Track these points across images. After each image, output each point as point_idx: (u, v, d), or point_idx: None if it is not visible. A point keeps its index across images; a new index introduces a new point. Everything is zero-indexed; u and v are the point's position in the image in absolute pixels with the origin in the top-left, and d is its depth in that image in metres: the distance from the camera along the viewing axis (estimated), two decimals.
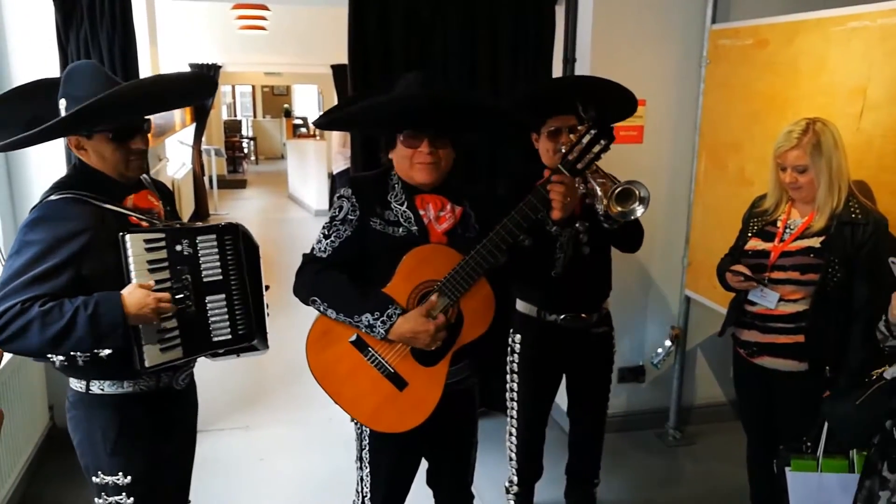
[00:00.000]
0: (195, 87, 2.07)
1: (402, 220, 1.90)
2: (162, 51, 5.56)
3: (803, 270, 2.24)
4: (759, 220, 2.41)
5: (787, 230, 2.32)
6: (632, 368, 3.73)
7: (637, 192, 2.10)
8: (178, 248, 1.79)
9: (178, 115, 7.78)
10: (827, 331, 2.22)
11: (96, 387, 1.82)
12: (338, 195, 1.94)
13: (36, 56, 3.03)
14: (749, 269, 2.32)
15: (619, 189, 2.10)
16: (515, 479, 2.71)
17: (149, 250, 1.74)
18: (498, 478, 2.96)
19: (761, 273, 2.32)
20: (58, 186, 1.78)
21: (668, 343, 3.59)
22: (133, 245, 1.72)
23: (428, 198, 1.93)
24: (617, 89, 2.30)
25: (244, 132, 16.32)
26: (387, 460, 2.04)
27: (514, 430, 2.66)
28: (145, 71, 3.39)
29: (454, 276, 1.84)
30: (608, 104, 2.36)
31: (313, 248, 1.95)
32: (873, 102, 2.39)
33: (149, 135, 1.87)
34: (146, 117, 1.87)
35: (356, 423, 2.04)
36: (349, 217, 1.91)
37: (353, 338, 1.89)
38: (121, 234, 1.71)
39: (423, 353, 1.90)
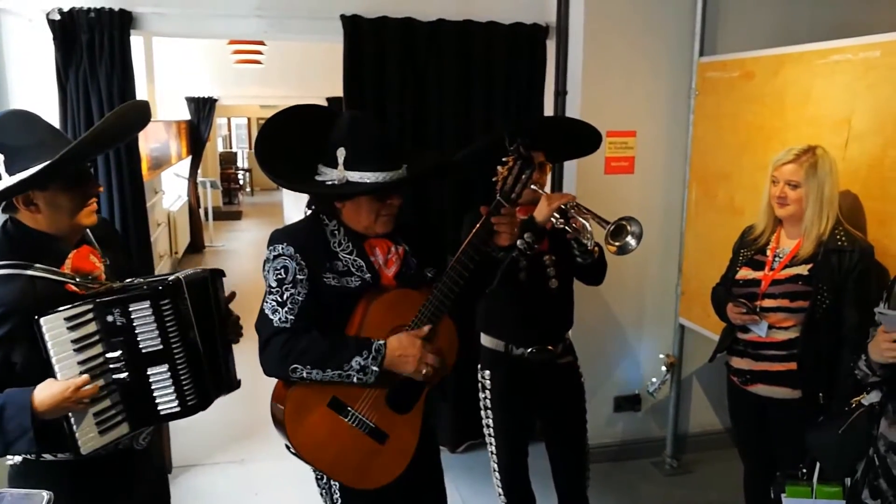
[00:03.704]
0: (135, 117, 1.85)
1: (353, 269, 1.85)
2: (158, 86, 5.62)
3: (793, 298, 2.27)
4: (749, 249, 2.45)
5: (777, 258, 2.35)
6: (628, 397, 3.73)
7: (628, 227, 2.18)
8: (110, 318, 1.61)
9: (175, 148, 7.84)
10: (818, 357, 2.24)
11: (48, 454, 1.66)
12: (275, 254, 1.81)
13: (35, 94, 3.07)
14: (741, 298, 2.36)
15: (612, 227, 2.19)
16: None
17: (73, 328, 1.57)
18: None
19: (753, 302, 2.35)
20: None
21: (663, 371, 3.60)
22: (50, 328, 1.54)
23: (375, 242, 1.90)
24: (581, 126, 2.39)
25: (240, 164, 16.42)
26: None
27: (496, 465, 2.66)
28: None
29: (422, 318, 1.83)
30: (573, 138, 2.48)
31: (270, 320, 1.80)
32: (858, 133, 2.44)
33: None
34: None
35: (320, 477, 1.98)
36: (298, 277, 1.80)
37: (330, 400, 1.82)
38: (35, 317, 1.53)
39: (398, 402, 1.88)
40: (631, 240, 2.20)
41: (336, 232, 1.88)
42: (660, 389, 3.60)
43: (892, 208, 2.31)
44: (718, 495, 3.41)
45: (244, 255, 9.50)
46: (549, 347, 2.51)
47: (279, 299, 1.80)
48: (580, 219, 2.26)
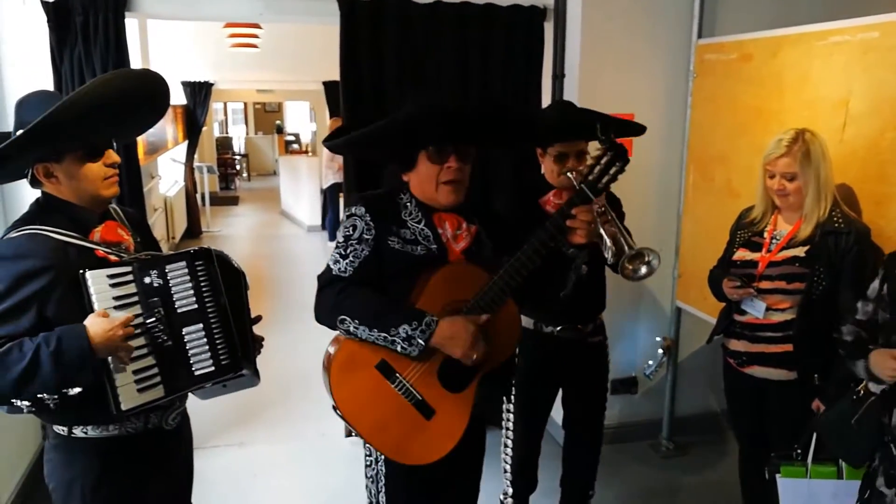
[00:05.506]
0: (142, 86, 1.84)
1: (420, 238, 1.87)
2: (154, 69, 5.59)
3: (789, 280, 2.28)
4: (746, 231, 2.45)
5: (774, 240, 2.36)
6: (624, 380, 3.74)
7: (648, 259, 2.23)
8: (148, 280, 1.69)
9: (171, 132, 7.81)
10: (814, 339, 2.25)
11: (79, 430, 1.70)
12: (348, 213, 1.89)
13: (30, 77, 3.05)
14: (739, 279, 2.37)
15: (633, 253, 2.22)
16: (510, 490, 2.72)
17: (115, 286, 1.64)
18: (492, 490, 2.96)
19: (750, 283, 2.36)
20: (17, 224, 1.67)
21: (660, 354, 3.62)
22: (95, 282, 1.61)
23: (444, 216, 1.91)
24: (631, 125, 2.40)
25: (236, 149, 16.34)
26: (405, 501, 1.98)
27: (509, 442, 2.67)
28: None
29: (484, 298, 1.81)
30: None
31: (330, 269, 1.88)
32: (855, 114, 2.44)
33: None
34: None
35: (370, 464, 1.99)
36: (365, 236, 1.85)
37: (379, 362, 1.81)
38: (81, 271, 1.60)
39: (450, 380, 1.85)
40: (643, 269, 2.24)
41: (408, 203, 1.92)
42: (656, 372, 3.62)
43: (888, 190, 2.32)
44: (714, 476, 3.44)
45: (242, 241, 9.49)
46: (579, 326, 2.55)
47: (342, 252, 1.87)
48: (604, 230, 2.23)
